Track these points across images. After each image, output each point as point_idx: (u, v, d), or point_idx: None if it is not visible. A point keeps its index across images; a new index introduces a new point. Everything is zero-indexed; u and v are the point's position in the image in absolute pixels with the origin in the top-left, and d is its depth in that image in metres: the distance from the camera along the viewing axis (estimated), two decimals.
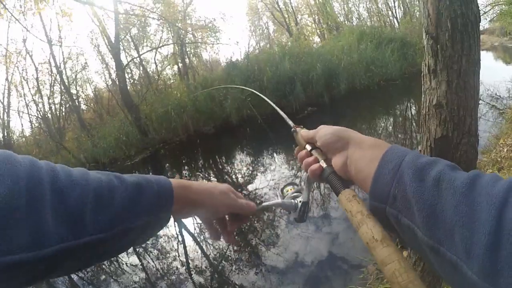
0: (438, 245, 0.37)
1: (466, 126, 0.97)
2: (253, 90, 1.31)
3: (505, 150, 3.77)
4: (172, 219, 0.58)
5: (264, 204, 0.69)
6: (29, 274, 0.37)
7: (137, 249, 4.36)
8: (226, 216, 0.68)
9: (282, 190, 0.72)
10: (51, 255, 0.37)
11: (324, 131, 0.61)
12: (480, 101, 5.66)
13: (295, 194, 0.69)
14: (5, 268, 0.33)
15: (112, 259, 4.28)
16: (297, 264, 3.07)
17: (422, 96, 1.01)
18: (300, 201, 0.66)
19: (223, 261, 3.49)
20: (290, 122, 0.78)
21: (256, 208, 0.68)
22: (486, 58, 13.35)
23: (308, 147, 0.65)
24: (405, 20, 16.53)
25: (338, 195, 0.54)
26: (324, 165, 0.59)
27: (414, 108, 8.08)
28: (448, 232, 0.36)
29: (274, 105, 0.96)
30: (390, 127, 7.30)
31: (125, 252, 4.32)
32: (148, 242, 4.47)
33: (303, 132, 0.68)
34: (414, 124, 6.88)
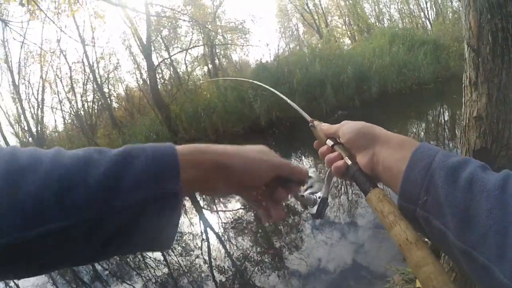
0: (470, 249, 0.37)
1: (505, 139, 0.99)
2: (267, 87, 1.21)
3: None
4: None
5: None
6: None
7: None
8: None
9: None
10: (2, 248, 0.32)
11: (349, 127, 0.58)
12: None
13: (314, 189, 0.64)
14: None
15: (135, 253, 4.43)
16: (320, 271, 3.05)
17: (462, 107, 1.03)
18: (319, 197, 0.62)
19: (245, 262, 3.51)
20: (307, 116, 0.75)
21: (307, 173, 0.61)
22: None
23: (330, 142, 0.62)
24: (437, 21, 16.00)
25: (366, 194, 0.51)
26: (349, 162, 0.57)
27: (447, 114, 7.86)
28: (481, 236, 0.36)
29: (288, 100, 0.91)
30: (422, 133, 7.13)
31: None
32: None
33: (324, 126, 0.66)
34: (447, 130, 6.70)
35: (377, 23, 19.04)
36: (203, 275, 3.53)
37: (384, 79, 9.94)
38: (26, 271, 0.37)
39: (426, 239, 0.47)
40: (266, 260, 3.50)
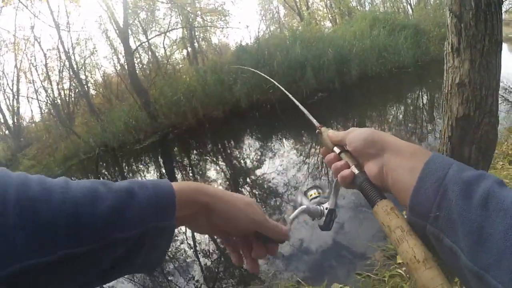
0: (483, 272, 0.34)
1: (488, 106, 0.97)
2: (279, 85, 1.16)
3: None
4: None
5: (291, 217, 0.61)
6: None
7: None
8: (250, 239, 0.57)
9: (305, 193, 0.67)
10: (14, 274, 0.33)
11: (356, 134, 0.56)
12: None
13: (320, 199, 0.64)
14: None
15: None
16: (302, 251, 3.08)
17: (444, 75, 1.00)
18: (326, 208, 0.61)
19: None
20: (315, 121, 0.72)
21: (288, 233, 0.57)
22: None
23: (337, 150, 0.60)
24: (419, 6, 16.13)
25: (373, 206, 0.49)
26: (356, 171, 0.55)
27: (426, 97, 7.99)
28: (495, 258, 0.33)
29: (297, 102, 0.86)
30: (401, 116, 7.24)
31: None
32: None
33: (330, 133, 0.63)
34: (425, 113, 6.81)
35: (358, 7, 18.99)
36: (188, 260, 3.53)
37: (364, 62, 9.99)
38: None
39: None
40: None
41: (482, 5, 0.96)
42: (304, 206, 0.62)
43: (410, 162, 0.47)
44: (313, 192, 0.66)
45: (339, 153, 0.59)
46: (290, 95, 0.96)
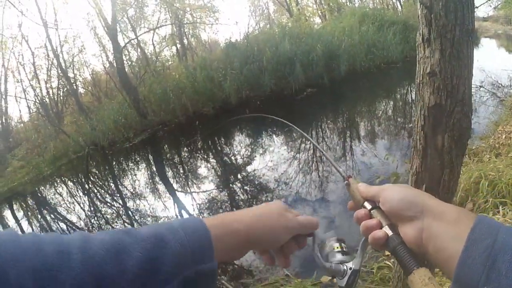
0: None
1: (460, 95, 0.98)
2: (298, 129, 1.05)
3: (503, 136, 3.80)
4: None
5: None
6: None
7: None
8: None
9: (327, 246, 0.64)
10: None
11: (392, 194, 0.52)
12: (481, 88, 5.61)
13: (344, 257, 0.59)
14: None
15: None
16: None
17: (416, 65, 1.01)
18: (350, 268, 0.57)
19: None
20: (342, 172, 0.67)
21: (318, 223, 0.58)
22: (489, 46, 13.27)
23: (368, 206, 0.56)
24: (408, 3, 16.24)
25: (409, 274, 0.45)
26: (390, 232, 0.50)
27: (414, 92, 8.06)
28: None
29: (323, 151, 0.83)
30: (390, 111, 7.29)
31: None
32: None
33: (361, 187, 0.59)
34: (413, 108, 6.86)
35: (347, 3, 19.06)
36: None
37: (353, 57, 10.06)
38: None
39: None
40: None
41: None
42: (326, 264, 0.59)
43: (454, 228, 0.43)
44: (335, 246, 0.62)
45: (370, 210, 0.55)
46: (314, 142, 0.90)
